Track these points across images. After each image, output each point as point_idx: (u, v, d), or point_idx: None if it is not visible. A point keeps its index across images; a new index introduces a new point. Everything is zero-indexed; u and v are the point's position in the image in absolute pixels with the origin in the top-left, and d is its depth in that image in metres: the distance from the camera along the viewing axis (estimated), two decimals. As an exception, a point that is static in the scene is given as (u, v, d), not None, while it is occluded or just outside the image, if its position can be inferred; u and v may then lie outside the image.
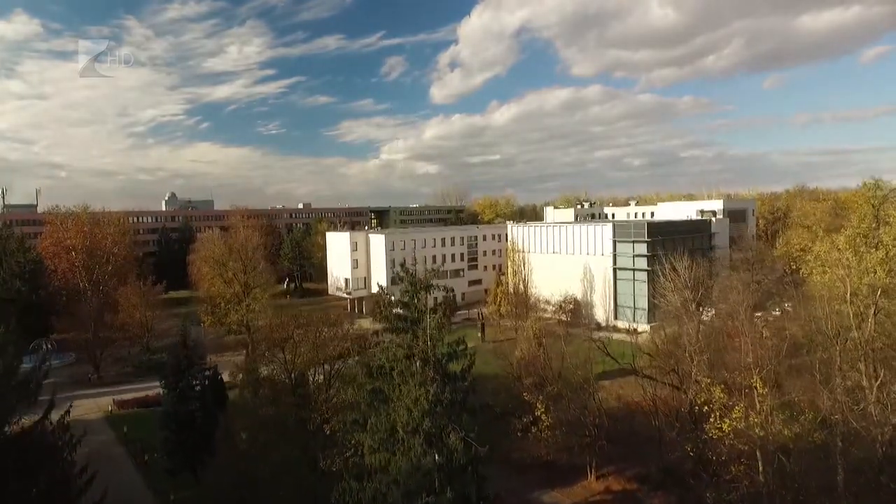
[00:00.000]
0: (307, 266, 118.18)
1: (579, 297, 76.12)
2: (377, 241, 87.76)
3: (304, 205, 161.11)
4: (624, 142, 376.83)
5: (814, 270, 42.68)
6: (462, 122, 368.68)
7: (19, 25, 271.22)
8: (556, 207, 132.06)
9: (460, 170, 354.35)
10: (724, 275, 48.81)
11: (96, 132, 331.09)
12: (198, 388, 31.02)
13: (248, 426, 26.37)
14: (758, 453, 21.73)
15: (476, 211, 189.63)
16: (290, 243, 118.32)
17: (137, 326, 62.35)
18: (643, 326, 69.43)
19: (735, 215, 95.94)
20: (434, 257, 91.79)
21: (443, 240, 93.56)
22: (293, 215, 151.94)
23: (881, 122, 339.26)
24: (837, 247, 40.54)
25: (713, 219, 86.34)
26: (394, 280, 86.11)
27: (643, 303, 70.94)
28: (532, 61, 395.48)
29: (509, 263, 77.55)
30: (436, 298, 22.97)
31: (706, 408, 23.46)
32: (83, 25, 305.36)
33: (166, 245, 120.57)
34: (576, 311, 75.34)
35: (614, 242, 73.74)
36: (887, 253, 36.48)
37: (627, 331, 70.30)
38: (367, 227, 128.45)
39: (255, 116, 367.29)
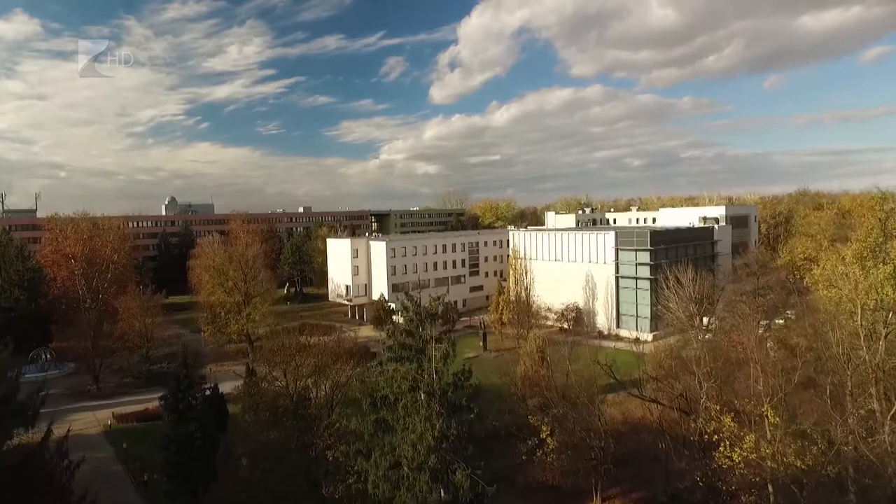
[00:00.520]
0: (307, 271, 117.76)
1: (581, 304, 75.68)
2: (378, 248, 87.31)
3: (304, 209, 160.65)
4: (624, 142, 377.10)
5: (820, 284, 42.21)
6: (462, 123, 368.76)
7: (19, 25, 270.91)
8: (557, 213, 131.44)
9: (460, 170, 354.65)
10: (729, 289, 48.09)
11: (96, 132, 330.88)
12: (198, 408, 30.52)
13: (249, 451, 25.94)
14: (769, 486, 21.31)
15: (476, 214, 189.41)
16: (291, 248, 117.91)
17: (137, 336, 61.83)
18: (646, 335, 69.07)
19: (737, 221, 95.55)
20: (435, 264, 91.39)
21: (444, 246, 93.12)
22: (293, 219, 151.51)
23: (882, 122, 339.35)
24: (844, 260, 40.31)
25: (715, 226, 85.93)
26: (395, 288, 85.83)
27: (646, 311, 70.54)
28: (532, 61, 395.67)
29: (511, 272, 77.06)
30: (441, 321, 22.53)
31: (716, 437, 23.05)
32: (83, 25, 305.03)
33: (166, 250, 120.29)
34: (578, 319, 74.91)
35: (617, 250, 73.33)
36: (895, 268, 36.14)
37: (630, 340, 70.00)
38: (367, 234, 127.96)
39: (254, 116, 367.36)
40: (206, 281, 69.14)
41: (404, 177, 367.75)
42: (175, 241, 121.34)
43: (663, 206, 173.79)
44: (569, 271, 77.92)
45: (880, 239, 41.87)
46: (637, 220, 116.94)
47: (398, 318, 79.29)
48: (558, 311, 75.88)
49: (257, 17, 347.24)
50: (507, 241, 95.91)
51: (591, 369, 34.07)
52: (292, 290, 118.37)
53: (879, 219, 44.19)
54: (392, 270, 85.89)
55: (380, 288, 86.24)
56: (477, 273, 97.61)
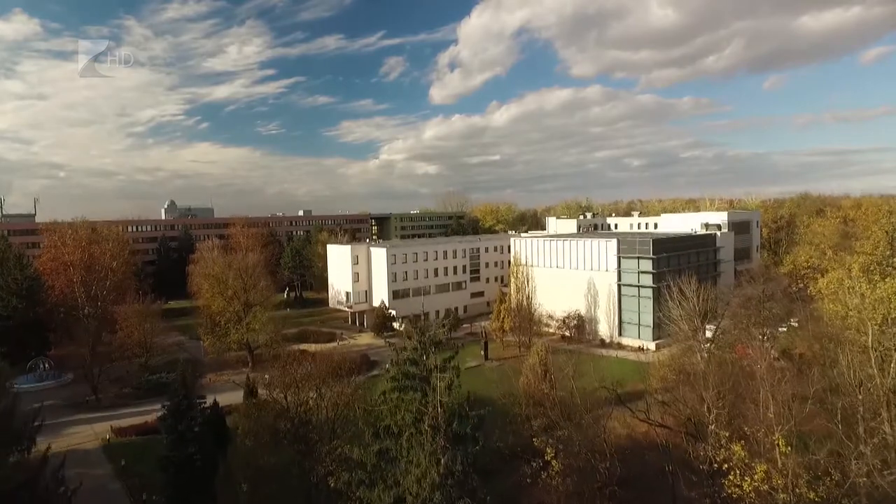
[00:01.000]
0: (308, 275, 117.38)
1: (583, 312, 75.22)
2: (379, 255, 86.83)
3: (304, 212, 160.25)
4: (624, 142, 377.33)
5: (826, 299, 41.75)
6: (462, 123, 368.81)
7: (18, 25, 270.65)
8: (558, 218, 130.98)
9: (460, 170, 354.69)
10: (734, 303, 47.60)
11: (96, 132, 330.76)
12: (197, 429, 30.05)
13: (249, 476, 25.46)
14: (782, 519, 20.82)
15: (477, 217, 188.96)
16: (291, 252, 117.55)
17: (136, 346, 61.38)
18: (649, 344, 68.59)
19: (739, 227, 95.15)
20: (436, 270, 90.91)
21: (444, 252, 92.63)
22: (293, 223, 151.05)
23: (882, 122, 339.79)
24: (850, 272, 39.83)
25: (718, 233, 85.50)
26: (395, 295, 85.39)
27: (648, 319, 70.07)
28: (532, 62, 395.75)
29: (512, 279, 76.59)
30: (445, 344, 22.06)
31: (725, 465, 22.57)
32: (82, 25, 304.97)
33: (166, 254, 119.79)
34: (580, 326, 74.48)
35: (619, 258, 72.87)
36: (903, 282, 35.65)
37: (633, 348, 69.57)
38: (368, 240, 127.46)
39: (254, 116, 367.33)
40: (205, 290, 68.56)
41: (404, 177, 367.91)
42: (174, 245, 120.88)
43: (664, 209, 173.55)
44: (570, 278, 77.48)
45: (887, 252, 41.44)
46: (639, 225, 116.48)
47: (398, 325, 78.75)
48: (560, 318, 75.47)
49: (257, 17, 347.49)
50: (508, 246, 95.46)
51: (596, 384, 33.64)
52: (292, 294, 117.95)
53: (886, 231, 43.69)
54: (393, 277, 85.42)
55: (380, 294, 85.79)
56: (478, 279, 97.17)
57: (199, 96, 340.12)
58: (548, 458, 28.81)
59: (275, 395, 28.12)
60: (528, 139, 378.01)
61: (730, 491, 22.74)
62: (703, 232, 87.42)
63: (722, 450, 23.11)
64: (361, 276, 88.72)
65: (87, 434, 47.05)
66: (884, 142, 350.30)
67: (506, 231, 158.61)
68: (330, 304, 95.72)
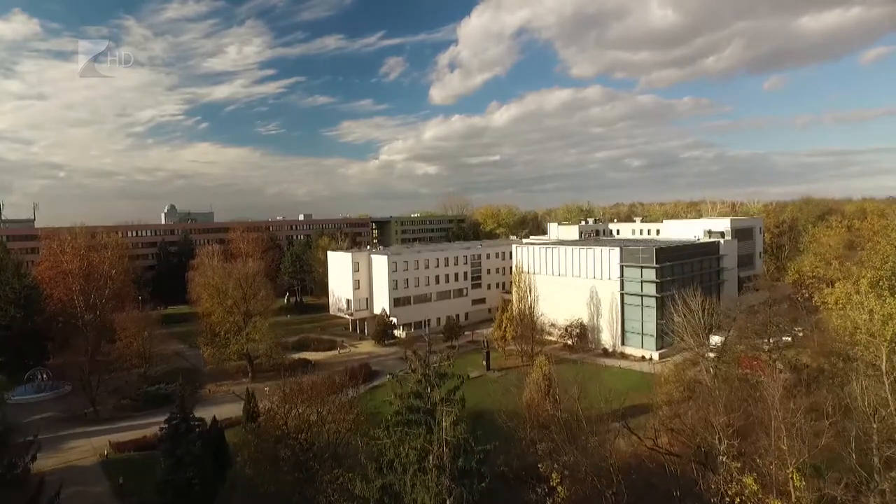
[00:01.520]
0: (308, 280, 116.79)
1: (586, 321, 74.64)
2: (379, 262, 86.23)
3: (304, 216, 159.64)
4: (624, 143, 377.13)
5: (834, 315, 41.14)
6: (461, 123, 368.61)
7: (18, 25, 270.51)
8: (559, 223, 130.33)
9: (460, 170, 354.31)
10: (739, 318, 47.01)
11: (95, 132, 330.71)
12: (196, 453, 29.48)
13: (249, 505, 24.91)
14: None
15: (477, 220, 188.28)
16: (291, 257, 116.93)
17: (135, 356, 60.78)
18: (652, 353, 67.95)
19: (742, 234, 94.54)
20: (437, 277, 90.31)
21: (446, 259, 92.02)
22: (294, 227, 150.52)
23: (882, 122, 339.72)
24: (857, 287, 39.24)
25: (721, 241, 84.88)
26: (396, 303, 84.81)
27: (651, 329, 69.43)
28: (532, 62, 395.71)
29: (515, 288, 76.01)
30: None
31: (738, 500, 21.99)
32: (82, 25, 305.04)
33: (165, 259, 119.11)
34: (582, 335, 73.90)
35: (622, 267, 72.25)
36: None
37: (636, 358, 68.90)
38: (368, 245, 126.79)
39: (254, 117, 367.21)
40: (205, 299, 67.92)
41: (404, 177, 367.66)
42: (174, 249, 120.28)
43: (666, 213, 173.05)
44: (573, 286, 76.89)
45: (896, 267, 40.93)
46: (641, 231, 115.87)
47: (399, 333, 78.04)
48: (562, 326, 74.91)
49: (257, 17, 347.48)
50: (510, 253, 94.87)
51: (601, 402, 33.05)
52: (292, 299, 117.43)
53: (895, 245, 43.13)
54: (394, 284, 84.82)
55: (381, 302, 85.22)
56: (479, 286, 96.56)
57: (199, 96, 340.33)
58: (553, 483, 28.24)
59: (275, 420, 27.51)
60: (527, 139, 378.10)
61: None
62: (706, 240, 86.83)
63: (734, 483, 22.52)
64: (362, 283, 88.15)
65: (85, 449, 46.42)
66: (884, 142, 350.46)
67: (506, 235, 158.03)
68: (330, 311, 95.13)
